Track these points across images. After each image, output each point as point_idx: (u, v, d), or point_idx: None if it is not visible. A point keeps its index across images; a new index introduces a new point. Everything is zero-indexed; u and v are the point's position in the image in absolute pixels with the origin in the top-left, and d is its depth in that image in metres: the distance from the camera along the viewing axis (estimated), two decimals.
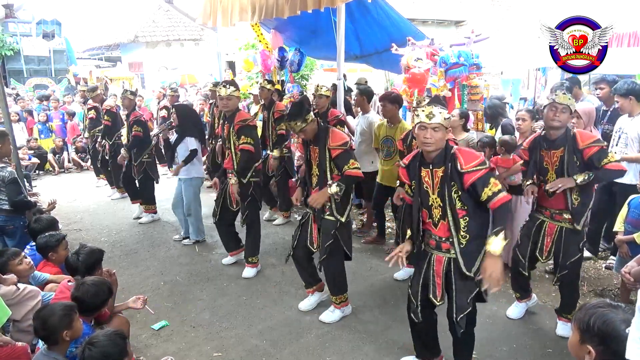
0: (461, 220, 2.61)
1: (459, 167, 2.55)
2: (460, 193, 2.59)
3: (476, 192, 2.55)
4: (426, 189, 2.69)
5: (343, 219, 3.51)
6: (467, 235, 2.61)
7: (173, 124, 5.36)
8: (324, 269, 3.65)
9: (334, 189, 3.34)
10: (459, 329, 2.64)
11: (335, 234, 3.51)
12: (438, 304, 2.73)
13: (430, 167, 2.66)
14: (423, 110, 2.59)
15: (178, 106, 5.69)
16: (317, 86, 5.53)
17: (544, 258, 3.36)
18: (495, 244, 2.45)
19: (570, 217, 3.20)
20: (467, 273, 2.61)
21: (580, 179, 3.05)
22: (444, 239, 2.68)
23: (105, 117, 6.99)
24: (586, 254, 4.59)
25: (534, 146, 3.35)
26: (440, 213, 2.67)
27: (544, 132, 3.30)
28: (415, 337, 2.98)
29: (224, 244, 4.86)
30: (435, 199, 2.66)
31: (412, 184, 2.77)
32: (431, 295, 2.73)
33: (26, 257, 3.17)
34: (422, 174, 2.71)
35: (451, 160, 2.58)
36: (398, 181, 4.22)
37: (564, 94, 3.16)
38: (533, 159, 3.35)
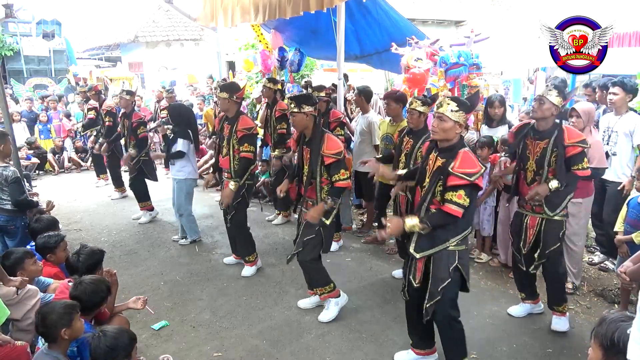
0: (432, 210, 2.72)
1: (452, 164, 2.60)
2: (441, 187, 2.66)
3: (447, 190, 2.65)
4: (426, 169, 2.81)
5: (328, 222, 3.53)
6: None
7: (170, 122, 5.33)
8: (299, 263, 3.66)
9: (329, 203, 3.43)
10: (425, 316, 2.78)
11: (319, 230, 3.54)
12: (415, 285, 2.83)
13: (436, 153, 2.75)
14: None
15: (171, 106, 5.64)
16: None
17: (525, 250, 3.42)
18: (412, 220, 2.63)
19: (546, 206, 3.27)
20: (412, 252, 2.75)
21: (554, 186, 3.16)
22: None
23: (107, 118, 6.99)
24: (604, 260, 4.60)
25: (519, 132, 3.44)
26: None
27: (534, 122, 3.35)
28: (407, 320, 3.09)
29: (232, 246, 4.83)
30: (428, 182, 2.78)
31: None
32: (410, 276, 2.86)
33: (38, 260, 3.19)
34: (430, 156, 2.81)
35: (452, 156, 2.65)
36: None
37: (551, 91, 3.19)
38: (516, 144, 3.43)
